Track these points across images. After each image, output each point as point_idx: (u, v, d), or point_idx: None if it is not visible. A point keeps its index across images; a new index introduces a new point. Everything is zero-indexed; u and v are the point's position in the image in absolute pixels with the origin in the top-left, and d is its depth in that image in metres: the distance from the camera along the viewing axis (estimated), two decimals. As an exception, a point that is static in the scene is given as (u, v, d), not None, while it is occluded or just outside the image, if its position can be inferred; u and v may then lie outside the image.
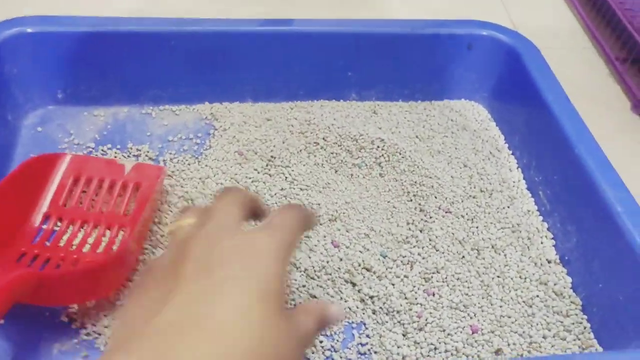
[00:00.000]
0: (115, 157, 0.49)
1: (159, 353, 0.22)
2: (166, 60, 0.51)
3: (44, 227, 0.42)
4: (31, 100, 0.51)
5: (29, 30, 0.48)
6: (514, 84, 0.53)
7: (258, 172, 0.48)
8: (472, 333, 0.39)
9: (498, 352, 0.39)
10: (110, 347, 0.31)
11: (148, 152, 0.49)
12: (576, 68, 0.66)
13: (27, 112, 0.51)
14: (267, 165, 0.49)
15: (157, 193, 0.44)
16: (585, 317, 0.41)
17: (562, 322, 0.41)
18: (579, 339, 0.40)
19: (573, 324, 0.41)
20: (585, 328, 0.41)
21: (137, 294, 0.27)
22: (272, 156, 0.49)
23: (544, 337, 0.40)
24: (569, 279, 0.43)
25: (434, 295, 0.41)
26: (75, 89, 0.52)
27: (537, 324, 0.40)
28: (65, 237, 0.42)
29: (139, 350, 0.22)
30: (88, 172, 0.45)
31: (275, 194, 0.47)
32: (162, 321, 0.23)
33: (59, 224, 0.43)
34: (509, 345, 0.39)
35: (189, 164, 0.49)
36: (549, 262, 0.44)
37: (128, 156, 0.49)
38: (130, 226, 0.42)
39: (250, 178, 0.48)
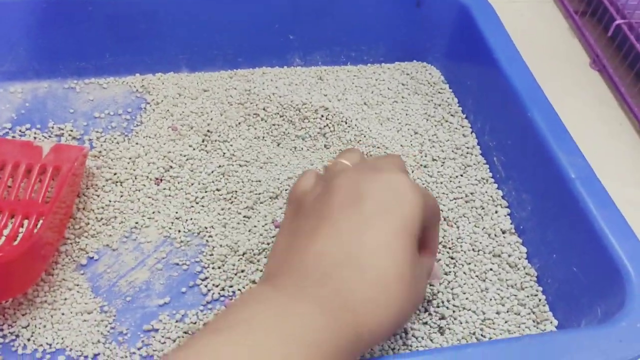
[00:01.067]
0: (35, 138, 0.44)
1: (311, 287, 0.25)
2: (86, 27, 0.46)
3: None
4: (-62, 78, 0.46)
5: None
6: (466, 43, 0.50)
7: (193, 149, 0.45)
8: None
9: (442, 330, 0.37)
10: (261, 279, 0.34)
11: (72, 131, 0.45)
12: (535, 22, 0.63)
13: None
14: (203, 141, 0.45)
15: (78, 176, 0.40)
16: (540, 288, 0.39)
17: (516, 295, 0.39)
18: (534, 313, 0.38)
19: (528, 297, 0.39)
20: (540, 301, 0.39)
21: (287, 225, 0.31)
22: (208, 130, 0.46)
23: (497, 313, 0.38)
24: (524, 249, 0.41)
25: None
26: (-13, 64, 0.47)
27: (491, 299, 0.38)
28: None
29: (286, 283, 0.26)
30: (1, 156, 0.41)
31: (212, 172, 0.43)
32: (312, 254, 0.26)
33: None
34: (461, 323, 0.37)
35: (117, 143, 0.45)
36: (504, 232, 0.42)
37: (49, 137, 0.45)
38: (44, 214, 0.39)
39: (185, 155, 0.44)
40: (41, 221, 0.39)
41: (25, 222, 0.39)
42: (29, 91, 0.47)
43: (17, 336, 0.34)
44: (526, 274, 0.40)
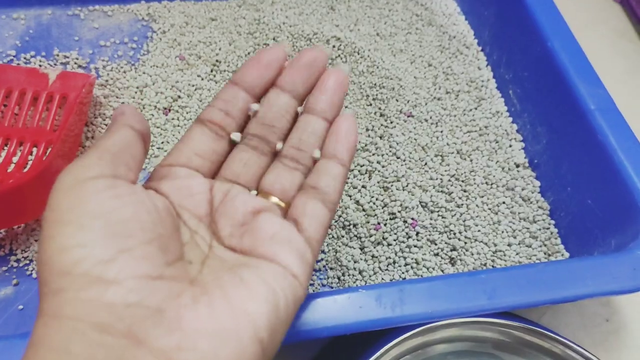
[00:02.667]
0: (40, 66, 0.43)
1: None
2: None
3: None
4: (-62, 3, 0.44)
5: None
6: (484, -30, 0.47)
7: (202, 79, 0.44)
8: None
9: (453, 261, 0.37)
10: None
11: (77, 59, 0.44)
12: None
13: None
14: (211, 71, 0.44)
15: (86, 104, 0.39)
16: (552, 222, 0.39)
17: (528, 228, 0.39)
18: (545, 245, 0.38)
19: (540, 229, 0.39)
20: (552, 234, 0.39)
21: None
22: (217, 60, 0.45)
23: (509, 245, 0.38)
24: (537, 183, 0.41)
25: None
26: (-12, -11, 0.45)
27: (502, 232, 0.38)
28: None
29: None
30: (7, 83, 0.40)
31: (221, 102, 0.42)
32: None
33: None
34: (472, 255, 0.37)
35: (124, 72, 0.44)
36: (517, 166, 0.42)
37: (55, 64, 0.44)
38: (53, 141, 0.38)
39: (193, 85, 0.43)
40: (50, 148, 0.38)
41: (34, 149, 0.39)
42: (33, 18, 0.46)
43: (31, 260, 0.35)
44: (539, 207, 0.40)
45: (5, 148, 0.38)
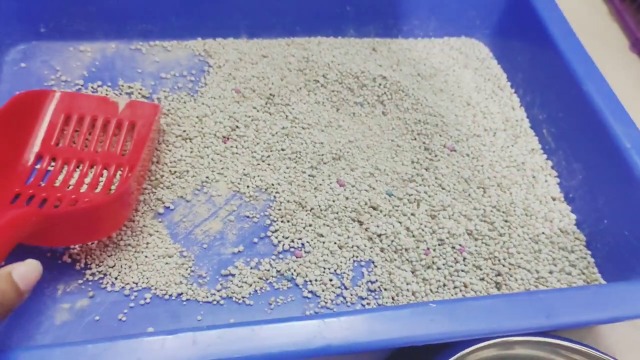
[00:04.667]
0: (107, 95, 0.46)
1: None
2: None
3: (37, 167, 0.40)
4: (11, 35, 0.47)
5: (7, -44, 0.45)
6: (517, 20, 0.51)
7: (257, 111, 0.47)
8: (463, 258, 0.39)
9: (498, 286, 0.39)
10: None
11: (141, 89, 0.47)
12: (574, 5, 0.65)
13: (8, 47, 0.47)
14: (266, 104, 0.47)
15: (155, 132, 0.42)
16: (589, 252, 0.42)
17: (567, 257, 0.41)
18: (584, 274, 0.41)
19: (578, 259, 0.41)
20: (589, 263, 0.41)
21: None
22: (271, 94, 0.48)
23: (550, 272, 0.40)
24: (573, 216, 0.43)
25: (459, 250, 0.41)
26: (58, 23, 0.48)
27: (544, 260, 0.41)
28: (60, 177, 0.40)
29: None
30: (80, 110, 0.43)
31: (276, 133, 0.45)
32: None
33: (52, 163, 0.41)
34: (516, 280, 0.39)
35: (184, 102, 0.47)
36: (554, 199, 0.44)
37: (120, 94, 0.47)
38: (130, 165, 0.41)
39: (249, 116, 0.46)
40: (120, 172, 0.41)
41: (105, 172, 0.41)
42: (98, 50, 0.49)
43: (105, 275, 0.37)
44: (575, 238, 0.42)
45: (78, 170, 0.41)
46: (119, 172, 0.41)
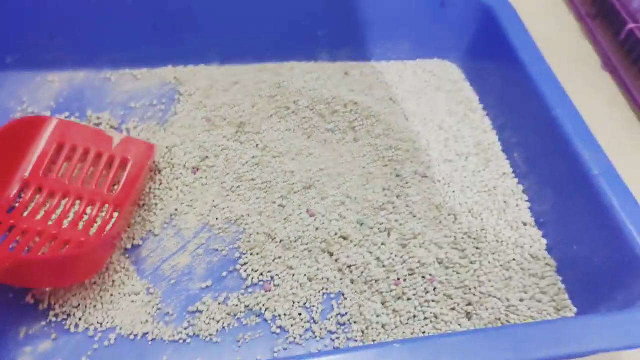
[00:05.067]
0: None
1: None
2: (123, 19, 0.48)
3: (20, 198, 0.40)
4: (-23, 66, 0.47)
5: (-30, -12, 0.44)
6: (489, 43, 0.52)
7: (228, 140, 0.46)
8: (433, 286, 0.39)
9: (469, 315, 0.39)
10: None
11: (110, 120, 0.47)
12: (547, 24, 0.65)
13: (-26, 78, 0.47)
14: (237, 132, 0.47)
15: (147, 172, 0.41)
16: (560, 278, 0.42)
17: (537, 284, 0.41)
18: (554, 300, 0.41)
19: (548, 285, 0.41)
20: (560, 289, 0.41)
21: None
22: (241, 122, 0.47)
23: (521, 300, 0.40)
24: (544, 241, 0.43)
25: (429, 280, 0.40)
26: (25, 53, 0.48)
27: (514, 287, 0.41)
28: (43, 210, 0.39)
29: None
30: (73, 140, 0.42)
31: (247, 162, 0.45)
32: None
33: (37, 195, 0.40)
34: (487, 309, 0.39)
35: (154, 133, 0.46)
36: (525, 224, 0.44)
37: (88, 125, 0.46)
38: (118, 205, 0.40)
39: (220, 146, 0.46)
40: (104, 211, 0.40)
41: (89, 209, 0.40)
42: (66, 80, 0.49)
43: (69, 315, 0.36)
44: (546, 264, 0.42)
45: (62, 203, 0.40)
46: (103, 211, 0.40)
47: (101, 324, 0.36)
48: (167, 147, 0.45)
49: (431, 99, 0.52)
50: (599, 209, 0.39)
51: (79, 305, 0.36)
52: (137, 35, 0.49)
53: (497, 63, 0.51)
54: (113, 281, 0.38)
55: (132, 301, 0.37)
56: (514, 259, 0.42)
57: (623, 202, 0.38)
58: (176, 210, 0.42)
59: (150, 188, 0.43)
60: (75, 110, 0.47)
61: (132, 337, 0.36)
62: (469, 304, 0.39)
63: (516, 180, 0.47)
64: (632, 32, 0.57)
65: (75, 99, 0.48)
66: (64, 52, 0.48)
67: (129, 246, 0.40)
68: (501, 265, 0.42)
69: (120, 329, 0.36)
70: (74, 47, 0.48)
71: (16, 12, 0.46)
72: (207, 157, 0.45)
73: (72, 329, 0.35)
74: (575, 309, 0.40)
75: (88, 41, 0.48)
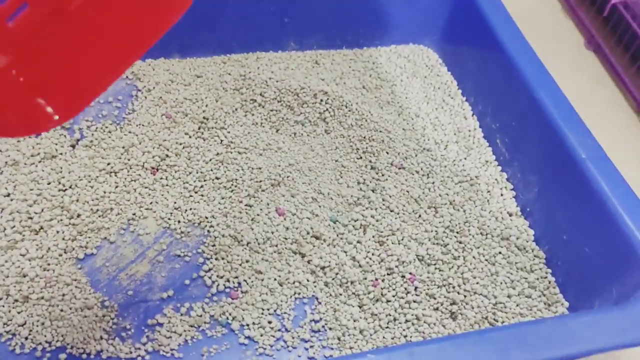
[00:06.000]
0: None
1: None
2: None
3: None
4: None
5: None
6: (465, 23, 0.49)
7: (190, 137, 0.43)
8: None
9: (454, 315, 0.36)
10: None
11: (61, 120, 0.43)
12: (526, 1, 0.63)
13: None
14: (199, 128, 0.44)
15: None
16: (549, 270, 0.39)
17: (526, 278, 0.38)
18: (544, 295, 0.38)
19: (538, 279, 0.38)
20: (550, 283, 0.38)
21: None
22: (204, 117, 0.44)
23: (509, 297, 0.37)
24: (532, 232, 0.41)
25: (410, 280, 0.37)
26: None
27: (501, 283, 0.38)
28: None
29: None
30: None
31: (210, 160, 0.42)
32: None
33: None
34: (473, 308, 0.36)
35: (109, 132, 0.43)
36: (510, 215, 0.42)
37: (37, 126, 0.43)
38: None
39: (181, 144, 0.42)
40: None
41: None
42: (14, 79, 0.45)
43: (14, 335, 0.33)
44: (535, 256, 0.40)
45: None
46: None
47: (50, 343, 0.33)
48: (123, 147, 0.42)
49: (407, 86, 0.49)
50: (588, 195, 0.36)
51: (25, 323, 0.33)
52: (89, 29, 0.46)
53: (475, 44, 0.48)
54: (63, 295, 0.34)
55: (85, 316, 0.34)
56: (499, 252, 0.39)
57: (614, 186, 0.35)
58: (134, 214, 0.39)
59: (104, 192, 0.39)
60: (23, 111, 0.43)
61: (84, 356, 0.32)
62: (453, 303, 0.37)
63: (499, 167, 0.44)
64: (616, 7, 0.54)
65: (23, 99, 0.44)
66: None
67: (81, 256, 0.36)
68: (486, 260, 0.39)
69: (71, 347, 0.33)
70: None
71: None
72: (167, 156, 0.42)
73: (18, 350, 0.32)
74: (567, 303, 0.38)
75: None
